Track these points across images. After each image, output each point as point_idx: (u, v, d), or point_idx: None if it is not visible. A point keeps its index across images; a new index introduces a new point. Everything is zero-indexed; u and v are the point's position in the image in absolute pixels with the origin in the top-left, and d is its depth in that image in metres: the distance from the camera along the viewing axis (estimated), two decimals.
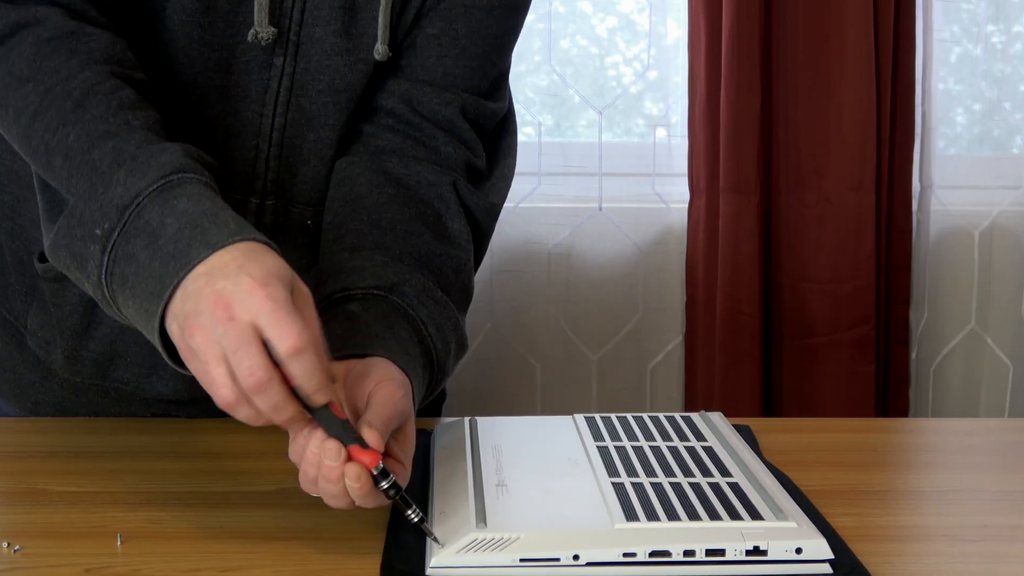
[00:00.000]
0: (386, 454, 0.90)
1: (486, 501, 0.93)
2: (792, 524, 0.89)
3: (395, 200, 1.14)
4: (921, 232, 2.22)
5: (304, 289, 0.90)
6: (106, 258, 0.92)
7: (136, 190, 0.92)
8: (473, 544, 0.87)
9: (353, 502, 0.89)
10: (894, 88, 2.14)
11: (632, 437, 1.10)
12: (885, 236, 2.18)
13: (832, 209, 2.13)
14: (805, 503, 0.98)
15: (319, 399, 0.87)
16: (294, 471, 1.08)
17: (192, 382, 0.89)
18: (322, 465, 0.88)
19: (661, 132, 2.22)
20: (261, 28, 1.10)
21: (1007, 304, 2.27)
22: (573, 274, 2.19)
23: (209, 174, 0.97)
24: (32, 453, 1.16)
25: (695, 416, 1.17)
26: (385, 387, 0.93)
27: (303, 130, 1.16)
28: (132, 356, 1.20)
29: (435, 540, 0.88)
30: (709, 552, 0.87)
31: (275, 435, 1.20)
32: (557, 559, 0.86)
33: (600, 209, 2.19)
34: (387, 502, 0.89)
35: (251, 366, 0.84)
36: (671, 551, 0.87)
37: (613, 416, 1.16)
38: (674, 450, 1.06)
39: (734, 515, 0.91)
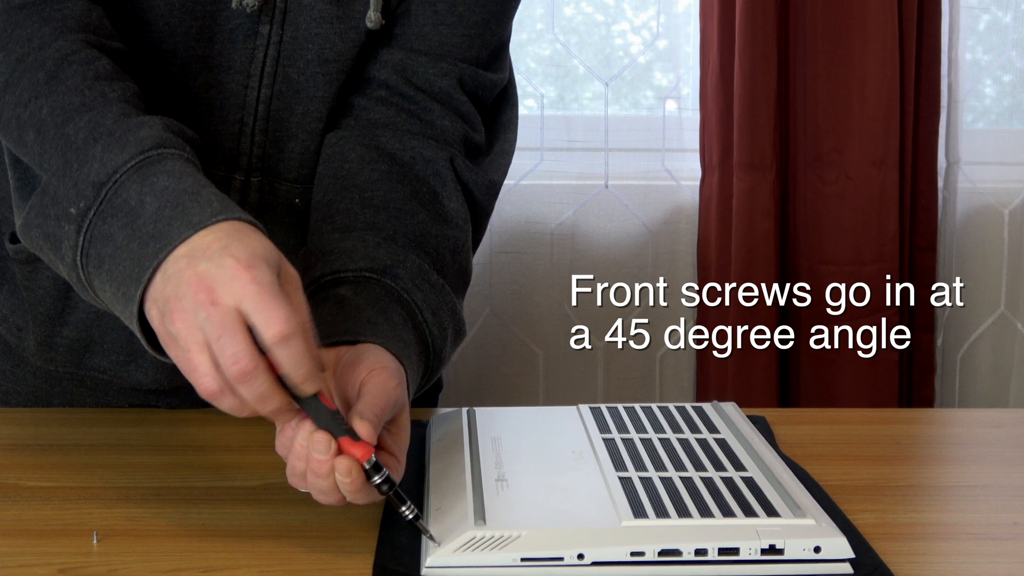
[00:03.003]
0: (378, 447, 0.90)
1: (485, 497, 0.93)
2: (810, 521, 0.89)
3: (388, 177, 1.14)
4: (947, 211, 2.22)
5: (292, 272, 0.90)
6: (81, 239, 0.92)
7: (113, 166, 0.92)
8: (471, 543, 0.87)
9: (344, 498, 0.89)
10: (919, 58, 2.14)
11: (640, 429, 1.10)
12: (909, 215, 2.17)
13: (853, 187, 2.13)
14: (824, 499, 0.98)
15: (308, 388, 0.87)
16: (281, 465, 1.08)
17: (172, 370, 0.89)
18: (311, 459, 0.88)
19: (671, 105, 2.21)
20: None
21: None
22: (578, 255, 2.19)
23: (191, 149, 0.97)
24: (2, 446, 1.16)
25: (707, 407, 1.17)
26: (377, 375, 0.93)
27: (290, 103, 1.16)
28: (109, 343, 1.20)
29: (431, 538, 0.88)
30: (722, 551, 0.87)
31: (260, 427, 1.20)
32: (560, 559, 0.86)
33: (606, 186, 2.19)
34: (379, 498, 0.89)
35: (235, 353, 0.84)
36: (682, 550, 0.86)
37: (620, 407, 1.16)
38: (685, 443, 1.06)
39: (749, 512, 0.91)
